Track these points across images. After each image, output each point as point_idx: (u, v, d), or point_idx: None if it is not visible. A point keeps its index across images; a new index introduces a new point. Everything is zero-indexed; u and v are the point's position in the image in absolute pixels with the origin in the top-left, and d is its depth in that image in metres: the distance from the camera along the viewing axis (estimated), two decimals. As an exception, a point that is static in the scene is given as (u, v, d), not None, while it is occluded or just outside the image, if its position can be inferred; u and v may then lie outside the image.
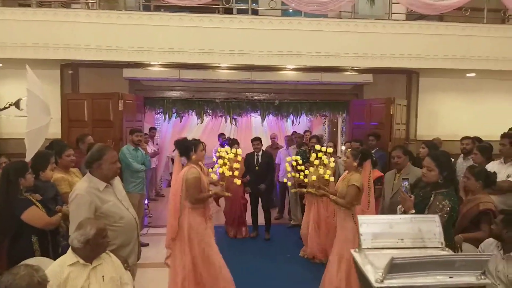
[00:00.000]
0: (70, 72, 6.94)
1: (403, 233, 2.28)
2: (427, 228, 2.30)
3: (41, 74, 6.33)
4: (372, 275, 1.99)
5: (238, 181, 4.65)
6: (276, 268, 5.17)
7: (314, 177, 4.82)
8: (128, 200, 3.24)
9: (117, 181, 3.15)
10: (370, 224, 2.32)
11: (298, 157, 5.38)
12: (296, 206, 6.92)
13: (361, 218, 2.37)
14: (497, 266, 3.04)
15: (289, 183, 5.45)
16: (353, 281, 3.91)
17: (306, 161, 5.50)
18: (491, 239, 3.18)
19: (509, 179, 3.96)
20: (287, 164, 5.36)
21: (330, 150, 4.93)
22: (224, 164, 4.80)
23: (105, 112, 6.19)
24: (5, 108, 3.35)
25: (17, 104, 3.32)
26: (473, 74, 7.37)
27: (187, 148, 4.11)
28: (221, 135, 9.23)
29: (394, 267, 1.91)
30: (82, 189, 2.95)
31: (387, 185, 4.42)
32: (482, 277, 1.98)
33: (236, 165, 4.76)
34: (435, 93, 7.75)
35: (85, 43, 6.11)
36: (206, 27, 6.24)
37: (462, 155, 5.48)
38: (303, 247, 5.64)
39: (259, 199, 6.47)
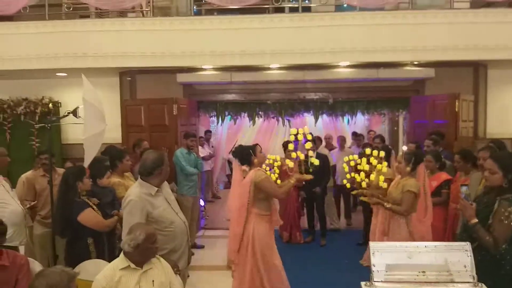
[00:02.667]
0: (128, 79, 7.22)
1: (425, 265, 1.95)
2: (455, 259, 1.96)
3: (101, 82, 6.75)
4: None
5: (308, 176, 4.19)
6: (332, 276, 4.97)
7: (364, 184, 4.41)
8: (177, 204, 3.26)
9: (165, 185, 3.18)
10: (384, 253, 1.98)
11: (355, 156, 4.98)
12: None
13: (373, 246, 2.06)
14: None
15: (347, 185, 5.04)
16: None
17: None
18: None
19: None
20: (344, 165, 5.02)
21: (382, 154, 4.47)
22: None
23: (160, 117, 6.35)
24: (64, 116, 3.50)
25: (74, 113, 3.45)
26: (550, 64, 6.65)
27: (247, 154, 4.04)
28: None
29: None
30: (135, 195, 3.02)
31: (472, 188, 4.03)
32: None
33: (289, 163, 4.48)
34: (506, 86, 7.08)
35: (141, 51, 6.30)
36: (256, 28, 6.18)
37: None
38: (365, 253, 5.34)
39: (314, 203, 6.29)
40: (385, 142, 6.79)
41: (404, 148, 6.98)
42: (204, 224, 7.11)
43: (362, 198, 4.48)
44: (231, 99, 7.51)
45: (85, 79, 3.62)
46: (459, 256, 1.95)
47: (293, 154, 4.17)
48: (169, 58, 6.30)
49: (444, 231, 4.46)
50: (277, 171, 4.94)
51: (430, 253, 1.96)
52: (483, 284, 1.91)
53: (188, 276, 3.87)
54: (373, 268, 1.95)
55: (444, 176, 4.53)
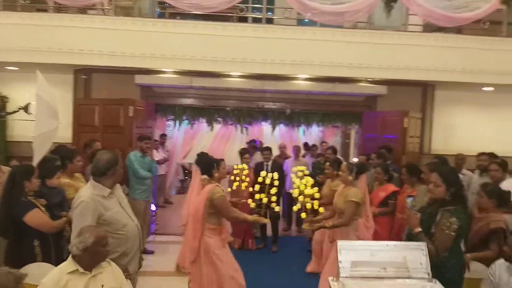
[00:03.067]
0: (83, 77, 6.99)
1: (386, 262, 2.16)
2: (413, 257, 2.18)
3: (54, 78, 6.46)
4: None
5: (266, 220, 4.33)
6: (282, 281, 5.06)
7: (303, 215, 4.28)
8: (130, 208, 3.19)
9: (117, 187, 3.11)
10: (350, 251, 2.17)
11: (304, 168, 4.83)
12: None
13: (340, 244, 2.25)
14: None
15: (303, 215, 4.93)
16: None
17: (321, 172, 5.39)
18: (501, 260, 3.04)
19: (526, 198, 3.80)
20: (292, 175, 5.02)
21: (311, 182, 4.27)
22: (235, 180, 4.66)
23: (115, 118, 6.20)
24: (14, 112, 3.35)
25: (26, 109, 3.31)
26: (491, 88, 7.19)
27: (210, 165, 3.97)
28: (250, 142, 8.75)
29: None
30: (86, 196, 2.92)
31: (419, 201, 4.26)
32: None
33: (272, 190, 4.45)
34: (451, 106, 7.58)
35: (99, 49, 6.14)
36: (219, 35, 6.22)
37: (478, 171, 5.32)
38: (310, 261, 5.49)
39: (266, 211, 6.36)
40: (336, 153, 7.03)
41: (355, 160, 7.28)
42: (155, 229, 6.98)
43: (304, 226, 4.36)
44: (190, 104, 7.47)
45: (39, 74, 3.50)
46: (416, 255, 2.19)
47: (257, 196, 4.18)
48: (128, 58, 6.19)
49: (390, 240, 4.67)
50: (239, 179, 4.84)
51: (390, 252, 2.20)
52: (437, 280, 2.13)
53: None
54: (340, 265, 2.14)
55: (391, 187, 4.78)
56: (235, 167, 5.04)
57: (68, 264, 2.55)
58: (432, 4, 6.16)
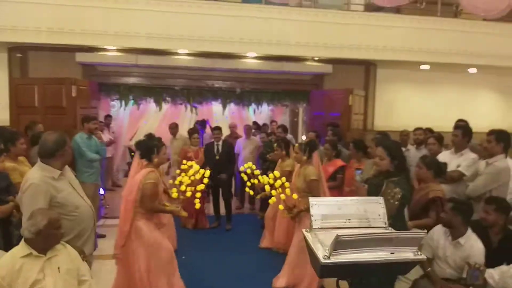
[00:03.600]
0: (18, 55, 6.52)
1: (350, 214, 2.50)
2: (372, 209, 2.53)
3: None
4: (320, 252, 2.15)
5: (184, 213, 4.05)
6: (237, 258, 5.15)
7: (267, 187, 4.43)
8: (81, 189, 3.10)
9: (67, 169, 3.00)
10: (320, 206, 2.52)
11: (251, 164, 4.91)
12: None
13: (312, 200, 2.55)
14: (446, 252, 3.19)
15: (251, 192, 4.91)
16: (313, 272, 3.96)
17: (271, 151, 5.50)
18: (439, 226, 3.33)
19: (459, 169, 4.13)
20: (243, 174, 4.91)
21: (277, 174, 4.40)
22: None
23: (57, 98, 5.89)
24: None
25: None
26: (427, 67, 7.65)
27: (150, 149, 3.84)
28: (200, 123, 8.64)
29: (339, 244, 2.07)
30: (36, 178, 2.79)
31: (366, 174, 4.46)
32: (419, 253, 2.19)
33: (199, 187, 4.40)
34: (391, 84, 7.98)
35: (35, 25, 5.77)
36: (164, 11, 6.06)
37: (414, 145, 5.66)
38: (262, 237, 5.62)
39: (219, 189, 6.41)
40: (287, 132, 7.18)
41: (304, 137, 7.49)
42: (105, 213, 6.80)
43: (286, 215, 4.37)
44: (136, 83, 7.24)
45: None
46: (374, 207, 2.53)
47: (178, 179, 4.12)
48: (67, 35, 5.87)
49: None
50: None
51: (353, 205, 2.54)
52: (392, 228, 2.49)
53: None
54: (312, 218, 2.48)
55: (339, 162, 4.99)
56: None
57: (21, 248, 2.47)
58: (374, -16, 6.41)
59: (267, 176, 4.44)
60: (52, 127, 5.14)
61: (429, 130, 5.78)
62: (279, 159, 5.42)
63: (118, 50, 6.53)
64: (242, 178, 7.27)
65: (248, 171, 4.77)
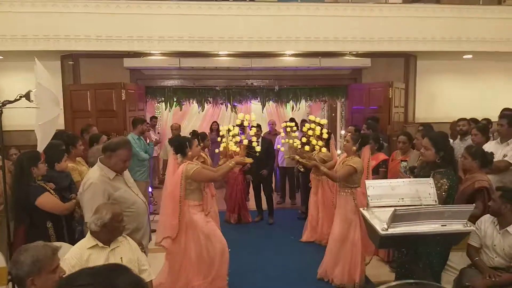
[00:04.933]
0: (70, 63, 6.98)
1: (403, 194, 2.79)
2: (423, 189, 2.79)
3: (42, 65, 6.45)
4: (378, 226, 2.44)
5: (248, 160, 4.46)
6: (280, 251, 5.29)
7: (307, 147, 4.85)
8: (137, 187, 3.36)
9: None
10: (376, 187, 2.83)
11: (293, 124, 5.35)
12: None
13: (368, 182, 2.85)
14: (494, 241, 3.19)
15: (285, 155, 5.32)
16: (355, 262, 4.04)
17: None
18: (487, 216, 3.32)
19: (506, 158, 4.07)
20: (281, 131, 5.26)
21: (325, 121, 5.00)
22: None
23: (108, 102, 6.28)
24: (16, 100, 3.38)
25: (27, 96, 3.36)
26: (470, 56, 7.46)
27: (182, 145, 4.08)
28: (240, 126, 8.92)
29: (396, 218, 2.35)
30: (95, 178, 3.09)
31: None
32: (468, 224, 2.46)
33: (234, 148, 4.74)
34: (432, 75, 7.84)
35: (85, 34, 6.16)
36: (204, 14, 6.29)
37: (459, 136, 5.58)
38: (304, 230, 5.71)
39: (261, 185, 6.58)
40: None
41: (343, 132, 7.51)
42: (153, 210, 7.14)
43: (299, 159, 4.81)
44: (180, 85, 7.54)
45: (38, 63, 3.53)
46: (425, 187, 2.81)
47: (237, 138, 4.37)
48: (115, 42, 6.23)
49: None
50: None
51: (406, 186, 2.83)
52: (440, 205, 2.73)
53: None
54: (369, 198, 2.78)
55: (382, 156, 5.00)
56: (221, 128, 5.21)
57: (88, 240, 2.71)
58: (412, -24, 6.35)
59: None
60: (104, 129, 5.54)
61: (474, 121, 5.67)
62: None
63: (162, 54, 6.85)
64: (281, 173, 7.53)
65: (288, 129, 5.06)
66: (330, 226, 5.26)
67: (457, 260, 3.26)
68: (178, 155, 4.08)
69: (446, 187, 3.02)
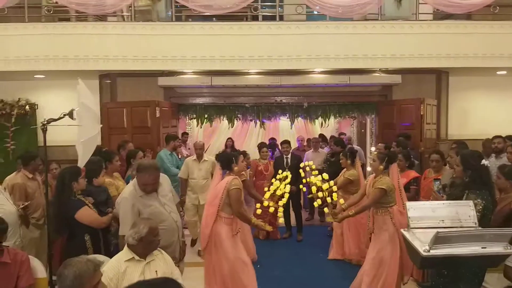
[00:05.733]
0: (108, 81, 7.30)
1: (444, 216, 2.87)
2: (463, 211, 2.86)
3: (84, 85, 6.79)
4: (420, 247, 2.52)
5: (268, 228, 4.46)
6: (309, 269, 5.28)
7: (342, 201, 4.62)
8: (173, 204, 3.47)
9: (165, 184, 3.40)
10: (416, 209, 2.95)
11: (311, 163, 5.12)
12: None
13: (409, 204, 2.99)
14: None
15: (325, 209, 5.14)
16: (392, 282, 3.99)
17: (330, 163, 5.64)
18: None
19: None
20: (313, 187, 4.76)
21: (327, 185, 4.53)
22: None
23: (143, 119, 6.52)
24: (59, 118, 3.60)
25: (70, 115, 3.57)
26: (504, 72, 7.30)
27: (229, 160, 4.19)
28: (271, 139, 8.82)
29: (439, 239, 2.43)
30: (127, 193, 3.33)
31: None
32: (509, 246, 2.49)
33: (281, 202, 4.55)
34: (465, 92, 7.70)
35: (122, 54, 6.43)
36: (235, 34, 6.46)
37: (494, 154, 5.45)
38: (330, 248, 5.68)
39: (290, 201, 6.58)
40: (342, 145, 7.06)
41: (373, 149, 7.45)
42: (184, 224, 7.26)
43: (328, 219, 4.76)
44: (211, 102, 7.73)
45: (81, 82, 3.74)
46: (465, 210, 2.89)
47: (265, 203, 4.44)
48: (150, 62, 6.47)
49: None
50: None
51: (446, 208, 2.92)
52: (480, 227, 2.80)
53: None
54: (409, 219, 2.88)
55: (412, 174, 4.94)
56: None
57: (125, 253, 2.82)
58: (442, -8, 6.32)
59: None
60: (139, 145, 5.74)
61: (510, 138, 5.53)
62: (344, 168, 5.57)
63: (195, 73, 7.06)
64: (311, 190, 7.49)
65: (307, 169, 4.93)
66: (356, 244, 5.27)
67: (494, 281, 3.18)
68: (224, 170, 4.21)
69: (481, 207, 2.99)
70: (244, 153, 5.52)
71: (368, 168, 8.09)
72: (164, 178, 3.54)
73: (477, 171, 3.12)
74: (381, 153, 4.32)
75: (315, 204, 4.54)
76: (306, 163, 5.11)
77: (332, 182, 4.47)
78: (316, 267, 5.34)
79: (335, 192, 4.47)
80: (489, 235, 2.46)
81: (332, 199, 4.44)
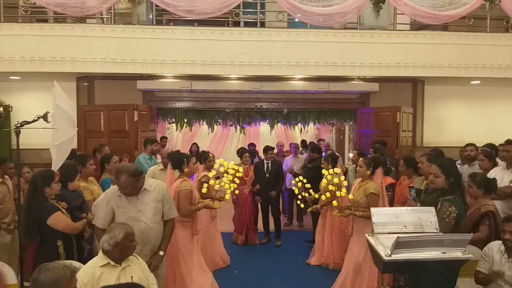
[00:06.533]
0: (85, 84, 7.19)
1: (406, 222, 2.96)
2: (425, 217, 2.95)
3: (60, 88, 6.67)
4: (382, 252, 2.61)
5: (217, 205, 4.69)
6: (286, 274, 5.28)
7: (328, 194, 4.82)
8: (154, 214, 3.34)
9: (155, 194, 3.36)
10: (381, 215, 3.01)
11: (301, 177, 5.35)
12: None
13: (373, 210, 3.01)
14: (502, 268, 3.18)
15: (301, 205, 5.31)
16: (373, 285, 4.04)
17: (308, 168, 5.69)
18: (495, 243, 3.32)
19: (511, 184, 4.09)
20: (294, 188, 5.29)
21: (337, 170, 4.98)
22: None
23: (120, 123, 6.44)
24: (34, 121, 3.53)
25: (45, 117, 3.50)
26: (478, 82, 7.53)
27: (180, 161, 4.24)
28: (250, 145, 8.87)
29: (399, 245, 2.51)
30: (110, 189, 3.37)
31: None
32: (466, 252, 2.59)
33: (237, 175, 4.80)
34: (440, 100, 7.91)
35: (101, 57, 6.35)
36: (216, 39, 6.46)
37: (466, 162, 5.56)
38: (311, 253, 5.70)
39: (269, 206, 6.61)
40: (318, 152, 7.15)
41: (351, 155, 7.57)
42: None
43: (334, 213, 4.78)
44: (191, 107, 7.70)
45: (57, 85, 3.68)
46: (427, 216, 2.98)
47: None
48: (130, 65, 6.40)
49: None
50: (230, 177, 5.15)
51: (409, 214, 3.00)
52: (442, 233, 2.87)
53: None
54: (374, 225, 2.94)
55: (388, 180, 5.02)
56: (231, 166, 5.27)
57: (100, 259, 2.77)
58: (419, 3, 6.48)
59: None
60: (116, 149, 5.67)
61: (490, 146, 5.57)
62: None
63: (175, 76, 7.02)
64: (289, 195, 7.56)
65: (299, 184, 4.99)
66: (338, 250, 5.30)
67: (465, 286, 3.25)
68: (176, 170, 4.24)
69: (455, 215, 3.05)
70: (207, 156, 5.49)
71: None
72: (158, 188, 3.40)
73: (457, 178, 3.19)
74: (367, 158, 4.42)
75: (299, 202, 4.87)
76: (297, 179, 5.25)
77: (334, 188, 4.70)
78: (295, 272, 5.34)
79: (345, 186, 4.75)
80: (447, 241, 2.55)
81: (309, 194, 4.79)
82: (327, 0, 6.45)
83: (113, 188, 3.31)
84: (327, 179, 4.94)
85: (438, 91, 7.86)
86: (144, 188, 3.32)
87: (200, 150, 7.96)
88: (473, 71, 6.91)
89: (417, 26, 7.28)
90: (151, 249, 3.36)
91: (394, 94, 7.69)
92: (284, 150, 8.49)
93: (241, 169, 5.52)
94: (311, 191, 5.07)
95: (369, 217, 4.04)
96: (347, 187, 4.96)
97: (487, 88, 7.84)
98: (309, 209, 5.07)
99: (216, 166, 5.18)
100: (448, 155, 5.21)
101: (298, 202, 5.21)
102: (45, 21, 6.78)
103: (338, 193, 4.54)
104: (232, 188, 5.16)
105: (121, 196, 3.27)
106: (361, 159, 4.48)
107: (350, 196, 4.44)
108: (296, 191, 5.19)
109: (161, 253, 3.40)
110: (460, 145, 6.05)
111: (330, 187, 4.63)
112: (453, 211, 3.04)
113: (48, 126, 3.54)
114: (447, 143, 7.20)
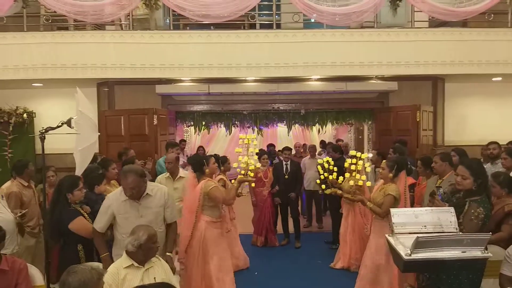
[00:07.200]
0: (106, 89, 7.34)
1: (426, 222, 2.98)
2: (444, 218, 2.97)
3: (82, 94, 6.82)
4: (402, 252, 2.65)
5: (251, 178, 4.43)
6: (307, 276, 5.28)
7: (352, 182, 4.62)
8: (154, 218, 3.36)
9: (158, 199, 3.39)
10: (400, 215, 3.04)
11: (329, 158, 5.15)
12: None
13: (392, 210, 3.04)
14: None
15: (323, 186, 5.19)
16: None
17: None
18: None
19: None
20: (319, 167, 5.03)
21: (365, 155, 4.90)
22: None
23: (141, 127, 6.56)
24: (58, 127, 3.62)
25: (68, 123, 3.59)
26: (499, 78, 7.37)
27: (200, 163, 4.28)
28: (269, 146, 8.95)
29: (419, 244, 2.55)
30: (113, 193, 3.40)
31: (429, 190, 4.44)
32: (486, 251, 2.63)
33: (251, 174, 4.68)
34: (461, 98, 7.77)
35: (120, 62, 6.46)
36: (233, 42, 6.50)
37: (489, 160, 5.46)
38: (336, 258, 5.58)
39: (288, 208, 6.60)
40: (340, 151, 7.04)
41: (370, 155, 7.46)
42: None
43: (345, 195, 4.61)
44: (208, 110, 7.77)
45: (79, 91, 3.77)
46: (447, 216, 2.99)
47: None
48: (148, 70, 6.50)
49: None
50: (251, 174, 5.07)
51: (428, 214, 3.02)
52: (461, 232, 2.88)
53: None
54: (393, 225, 2.98)
55: (410, 180, 4.94)
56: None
57: (124, 260, 2.83)
58: (437, 0, 6.38)
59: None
60: (136, 153, 5.76)
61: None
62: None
63: (192, 80, 7.10)
64: (308, 196, 7.53)
65: (325, 165, 4.94)
66: (360, 252, 5.23)
67: (489, 287, 3.19)
68: (197, 173, 4.27)
69: (483, 216, 3.00)
70: (224, 159, 5.54)
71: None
72: (160, 192, 3.44)
73: (484, 179, 3.14)
74: (390, 160, 4.33)
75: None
76: (325, 159, 5.08)
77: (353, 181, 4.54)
78: (315, 274, 5.32)
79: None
80: (467, 240, 2.58)
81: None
82: (343, 0, 6.42)
83: (116, 192, 3.34)
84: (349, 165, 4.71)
85: (459, 88, 7.72)
86: (146, 193, 3.35)
87: (218, 152, 8.00)
88: (494, 68, 6.76)
89: (436, 23, 7.17)
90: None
91: (414, 92, 7.59)
92: (301, 151, 8.46)
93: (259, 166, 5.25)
94: (334, 174, 4.87)
95: (378, 213, 4.10)
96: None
97: (509, 85, 7.66)
98: (328, 191, 4.83)
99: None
100: (470, 154, 5.13)
101: (318, 181, 5.09)
102: (66, 29, 6.97)
103: (358, 175, 4.44)
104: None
105: (125, 201, 3.29)
106: (384, 161, 4.38)
107: (369, 183, 4.53)
108: (321, 171, 4.97)
109: (168, 254, 3.45)
110: (482, 144, 5.96)
111: (353, 167, 4.46)
112: (481, 212, 2.99)
113: (72, 131, 3.63)
114: (469, 141, 7.06)
